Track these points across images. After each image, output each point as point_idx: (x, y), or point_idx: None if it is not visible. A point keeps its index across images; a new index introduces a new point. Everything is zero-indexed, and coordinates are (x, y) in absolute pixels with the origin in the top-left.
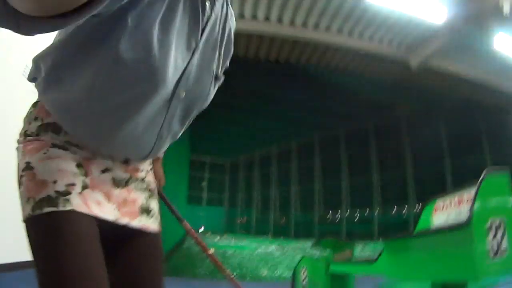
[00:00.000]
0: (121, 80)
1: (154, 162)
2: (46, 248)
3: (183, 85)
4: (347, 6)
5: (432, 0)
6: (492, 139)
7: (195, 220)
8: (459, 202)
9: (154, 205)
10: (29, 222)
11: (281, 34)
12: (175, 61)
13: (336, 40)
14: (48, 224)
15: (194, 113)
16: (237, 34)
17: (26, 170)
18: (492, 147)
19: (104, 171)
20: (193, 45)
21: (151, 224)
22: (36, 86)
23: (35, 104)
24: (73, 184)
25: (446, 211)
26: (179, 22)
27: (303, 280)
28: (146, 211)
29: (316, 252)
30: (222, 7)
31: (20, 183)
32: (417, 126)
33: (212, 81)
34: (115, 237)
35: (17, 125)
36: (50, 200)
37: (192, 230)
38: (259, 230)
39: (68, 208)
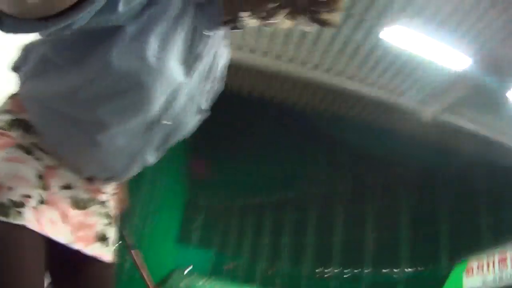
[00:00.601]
0: (108, 86)
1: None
2: None
3: (169, 112)
4: (362, 53)
5: (451, 52)
6: (493, 203)
7: (183, 260)
8: (501, 261)
9: (112, 233)
10: None
11: (290, 73)
12: (166, 81)
13: (347, 85)
14: None
15: (170, 144)
16: (245, 69)
17: None
18: (492, 210)
19: (65, 187)
20: (186, 72)
21: (105, 253)
22: (19, 76)
23: (12, 96)
24: (28, 196)
25: (482, 273)
26: (179, 46)
27: None
28: (102, 238)
29: None
30: (217, 40)
31: None
32: (415, 187)
33: (196, 113)
34: (66, 258)
35: None
36: (2, 208)
37: (140, 262)
38: (246, 278)
39: (18, 222)
